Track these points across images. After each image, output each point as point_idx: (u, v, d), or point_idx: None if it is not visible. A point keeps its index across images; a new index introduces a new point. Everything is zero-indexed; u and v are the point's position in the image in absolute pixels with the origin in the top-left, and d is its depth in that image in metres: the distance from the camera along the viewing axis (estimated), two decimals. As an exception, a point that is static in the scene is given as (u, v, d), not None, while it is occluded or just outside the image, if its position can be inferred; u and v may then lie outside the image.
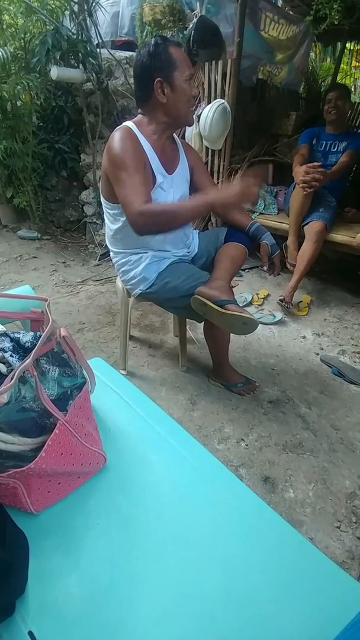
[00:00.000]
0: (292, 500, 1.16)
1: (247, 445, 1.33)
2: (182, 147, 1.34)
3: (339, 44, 3.58)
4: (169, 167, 1.26)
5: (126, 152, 1.12)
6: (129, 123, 1.21)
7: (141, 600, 0.53)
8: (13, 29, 2.59)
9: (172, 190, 1.26)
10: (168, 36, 2.35)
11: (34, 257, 2.77)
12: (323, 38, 3.38)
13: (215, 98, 2.39)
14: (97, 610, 0.52)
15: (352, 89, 6.05)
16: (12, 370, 0.57)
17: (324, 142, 2.32)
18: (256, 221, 1.38)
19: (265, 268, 1.37)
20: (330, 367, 1.73)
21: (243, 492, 0.69)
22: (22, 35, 2.54)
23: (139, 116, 1.23)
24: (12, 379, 0.53)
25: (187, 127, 2.50)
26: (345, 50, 3.77)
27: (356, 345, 1.89)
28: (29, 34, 2.55)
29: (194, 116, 2.43)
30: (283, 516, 1.00)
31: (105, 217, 1.34)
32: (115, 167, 1.13)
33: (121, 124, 1.22)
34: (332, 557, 0.97)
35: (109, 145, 1.15)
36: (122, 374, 1.56)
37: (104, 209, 1.31)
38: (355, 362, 1.78)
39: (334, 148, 2.30)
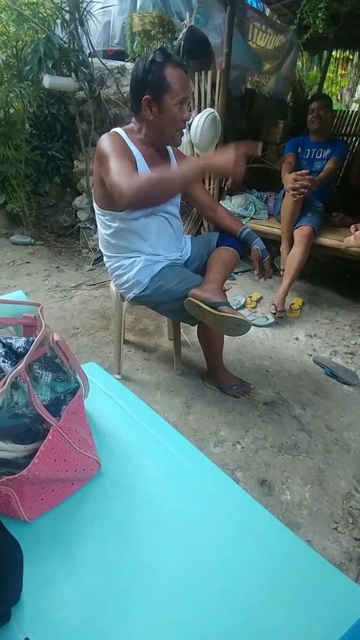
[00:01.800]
0: (288, 503, 1.16)
1: (243, 448, 1.33)
2: (174, 154, 1.36)
3: (325, 52, 3.66)
4: None
5: (112, 146, 1.12)
6: (118, 129, 1.22)
7: (136, 607, 0.52)
8: (5, 37, 2.61)
9: None
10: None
11: (27, 262, 2.75)
12: (309, 47, 3.43)
13: (205, 107, 2.43)
14: (92, 616, 0.51)
15: (339, 97, 6.18)
16: (4, 376, 0.56)
17: (309, 150, 2.38)
18: (247, 226, 1.41)
19: (256, 272, 1.40)
20: (323, 367, 1.74)
21: (240, 495, 0.69)
22: (15, 44, 2.56)
23: (131, 124, 1.26)
24: (4, 384, 0.52)
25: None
26: (332, 59, 3.83)
27: (348, 346, 1.91)
28: (20, 42, 2.57)
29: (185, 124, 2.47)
30: (280, 519, 1.00)
31: (97, 223, 1.34)
32: (102, 160, 1.12)
33: None
34: (329, 559, 0.97)
35: (97, 147, 1.16)
36: (117, 379, 1.55)
37: (96, 215, 1.32)
38: (347, 362, 1.80)
39: (318, 155, 2.36)
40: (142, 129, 1.22)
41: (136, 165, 1.18)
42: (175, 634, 0.50)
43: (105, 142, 1.14)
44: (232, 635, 0.51)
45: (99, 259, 2.67)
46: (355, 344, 1.93)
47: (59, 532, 0.61)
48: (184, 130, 2.47)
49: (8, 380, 0.52)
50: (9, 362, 0.60)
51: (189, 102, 1.20)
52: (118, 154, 1.10)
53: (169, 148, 1.35)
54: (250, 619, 0.52)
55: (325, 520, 1.11)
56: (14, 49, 2.57)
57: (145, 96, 1.12)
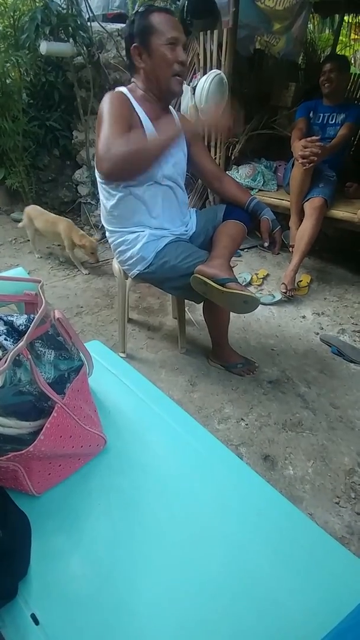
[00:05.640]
0: (291, 477, 1.17)
1: (247, 424, 1.34)
2: (179, 119, 1.29)
3: (337, 16, 3.47)
4: None
5: (112, 108, 1.09)
6: (122, 88, 1.18)
7: (143, 580, 0.53)
8: (2, 8, 2.54)
9: (166, 160, 1.22)
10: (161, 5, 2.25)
11: (29, 240, 2.71)
12: (321, 9, 3.29)
13: (211, 68, 2.29)
14: (99, 590, 0.52)
15: (352, 61, 5.82)
16: (6, 353, 0.55)
17: (322, 115, 2.25)
18: (255, 197, 1.35)
19: (266, 244, 1.35)
20: (330, 346, 1.72)
21: (243, 470, 0.69)
22: (12, 14, 2.49)
23: (132, 84, 1.21)
24: (5, 362, 0.52)
25: (182, 99, 2.40)
26: (344, 23, 3.69)
27: (356, 324, 1.88)
28: (18, 11, 2.51)
29: (189, 87, 2.33)
30: (283, 493, 1.02)
31: (100, 195, 1.29)
32: (98, 123, 1.09)
33: None
34: (331, 533, 0.99)
35: (99, 107, 1.12)
36: (122, 357, 1.55)
37: (99, 185, 1.27)
38: (355, 341, 1.77)
39: (331, 120, 2.23)
40: (141, 84, 1.17)
41: (141, 123, 1.15)
42: (180, 605, 0.51)
43: (106, 102, 1.10)
44: (235, 606, 0.51)
45: (102, 237, 2.62)
46: (363, 321, 1.91)
47: (67, 505, 0.62)
48: (188, 94, 2.35)
49: (9, 357, 0.51)
50: (11, 340, 0.59)
51: (185, 44, 1.14)
52: (113, 118, 1.06)
53: (174, 113, 1.29)
54: (254, 591, 0.53)
55: (327, 494, 1.13)
56: (11, 18, 2.51)
57: (134, 44, 1.11)
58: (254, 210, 1.32)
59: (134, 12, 1.13)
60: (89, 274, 2.30)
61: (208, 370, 1.58)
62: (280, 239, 1.36)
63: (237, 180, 2.37)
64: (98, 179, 1.25)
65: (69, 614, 0.49)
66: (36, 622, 0.47)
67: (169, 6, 2.41)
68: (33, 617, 0.48)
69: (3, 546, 0.50)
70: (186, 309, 1.73)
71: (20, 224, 2.43)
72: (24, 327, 0.60)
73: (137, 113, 1.14)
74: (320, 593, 0.53)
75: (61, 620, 0.49)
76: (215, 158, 2.52)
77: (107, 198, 1.26)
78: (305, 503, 1.10)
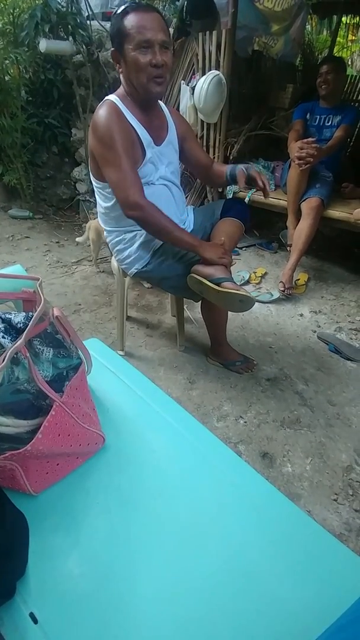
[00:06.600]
0: (290, 475, 1.18)
1: (245, 422, 1.34)
2: (171, 115, 1.28)
3: (334, 17, 3.49)
4: (157, 138, 1.21)
5: (113, 130, 1.07)
6: (112, 97, 1.15)
7: (142, 578, 0.53)
8: (2, 5, 2.53)
9: (160, 162, 1.22)
10: (159, 6, 2.25)
11: (27, 237, 2.70)
12: (319, 11, 3.29)
13: (209, 69, 2.29)
14: (98, 589, 0.52)
15: (349, 62, 5.83)
16: (4, 351, 0.55)
17: (318, 117, 2.26)
18: (231, 165, 1.31)
19: (242, 186, 1.24)
20: (327, 344, 1.73)
21: (242, 468, 0.69)
22: (11, 11, 2.49)
23: (121, 87, 1.18)
24: (3, 360, 0.51)
25: (181, 99, 2.40)
26: (342, 24, 3.69)
27: (353, 322, 1.89)
28: (18, 9, 2.51)
29: (188, 88, 2.33)
30: (281, 490, 1.02)
31: (96, 196, 1.29)
32: (103, 146, 1.08)
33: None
34: (329, 530, 0.99)
35: (94, 123, 1.10)
36: (120, 355, 1.55)
37: (95, 188, 1.26)
38: (351, 338, 1.78)
39: (328, 122, 2.25)
40: (126, 87, 1.15)
41: (139, 137, 1.14)
42: (179, 602, 0.51)
43: (103, 120, 1.08)
44: (235, 603, 0.52)
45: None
46: (360, 320, 1.91)
47: (65, 504, 0.61)
48: (187, 94, 2.34)
49: (7, 356, 0.51)
50: (9, 338, 0.59)
51: (165, 42, 1.04)
52: (121, 145, 1.06)
53: (165, 109, 1.27)
54: (253, 587, 0.53)
55: (325, 491, 1.14)
56: (11, 15, 2.51)
57: (112, 50, 1.09)
58: (233, 175, 1.27)
59: (113, 13, 1.06)
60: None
61: (207, 368, 1.58)
62: (257, 174, 1.22)
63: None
64: (94, 183, 1.25)
65: (68, 613, 0.49)
66: (35, 620, 0.47)
67: (167, 7, 2.41)
68: (32, 615, 0.48)
69: (1, 546, 0.50)
70: (185, 307, 1.73)
71: (80, 239, 2.37)
72: (22, 324, 0.59)
73: (130, 123, 1.12)
74: (319, 589, 0.53)
75: (60, 618, 0.49)
76: (214, 157, 2.52)
77: (103, 200, 1.25)
78: (304, 500, 1.11)
